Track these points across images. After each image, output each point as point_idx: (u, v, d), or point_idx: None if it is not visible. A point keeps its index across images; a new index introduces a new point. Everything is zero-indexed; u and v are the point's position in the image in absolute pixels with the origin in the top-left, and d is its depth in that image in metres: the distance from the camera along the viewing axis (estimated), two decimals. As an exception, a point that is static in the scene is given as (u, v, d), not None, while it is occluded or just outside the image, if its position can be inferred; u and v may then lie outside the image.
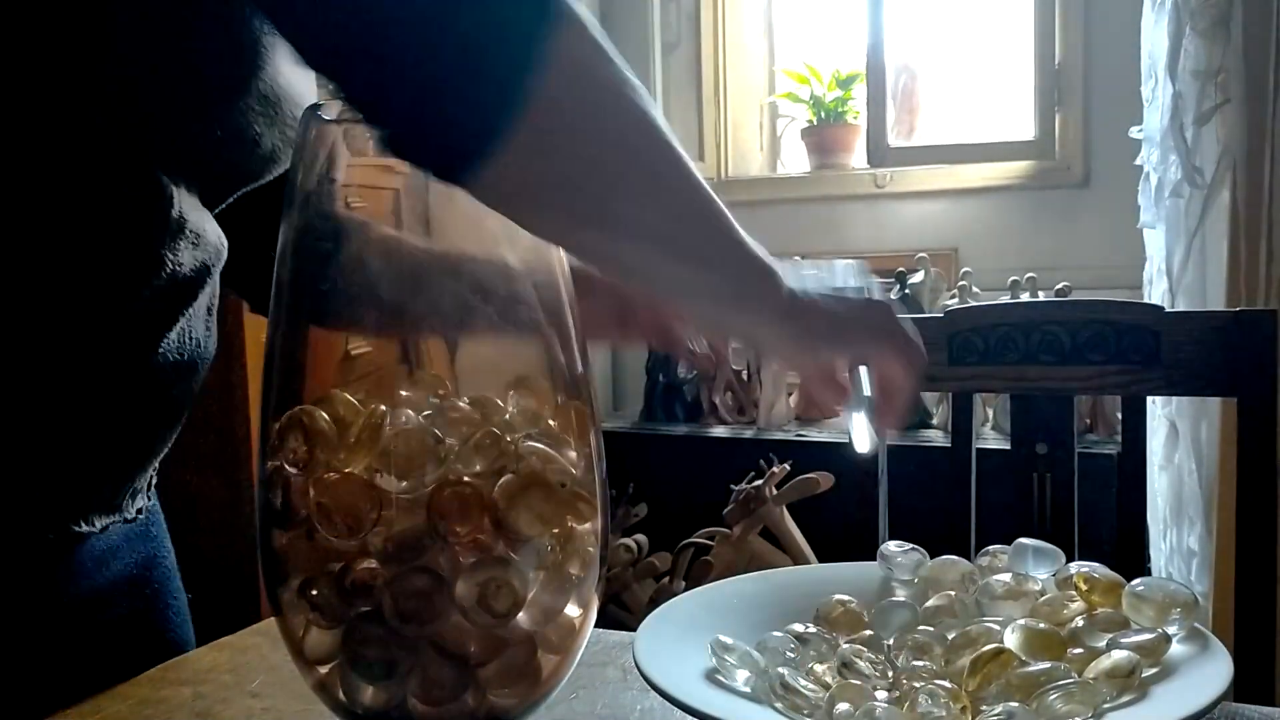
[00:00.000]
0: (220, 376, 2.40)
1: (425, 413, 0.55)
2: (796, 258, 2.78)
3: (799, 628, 0.64)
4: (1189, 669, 0.57)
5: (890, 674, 0.60)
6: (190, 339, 0.72)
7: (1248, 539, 1.03)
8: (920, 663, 0.60)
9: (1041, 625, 0.60)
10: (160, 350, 0.69)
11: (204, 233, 0.69)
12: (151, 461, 0.76)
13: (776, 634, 0.63)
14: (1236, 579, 1.04)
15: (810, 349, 0.64)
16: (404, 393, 0.57)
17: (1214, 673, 0.55)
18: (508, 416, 0.56)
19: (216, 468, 2.41)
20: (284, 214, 0.56)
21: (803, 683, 0.58)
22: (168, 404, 0.73)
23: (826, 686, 0.58)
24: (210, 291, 0.74)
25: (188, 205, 0.67)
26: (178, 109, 0.64)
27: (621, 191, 0.53)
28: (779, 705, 0.57)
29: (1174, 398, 2.00)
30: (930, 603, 0.66)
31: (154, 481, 0.80)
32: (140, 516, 0.78)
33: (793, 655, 0.62)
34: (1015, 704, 0.54)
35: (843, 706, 0.55)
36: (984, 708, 0.55)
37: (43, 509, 0.69)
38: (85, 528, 0.71)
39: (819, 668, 0.60)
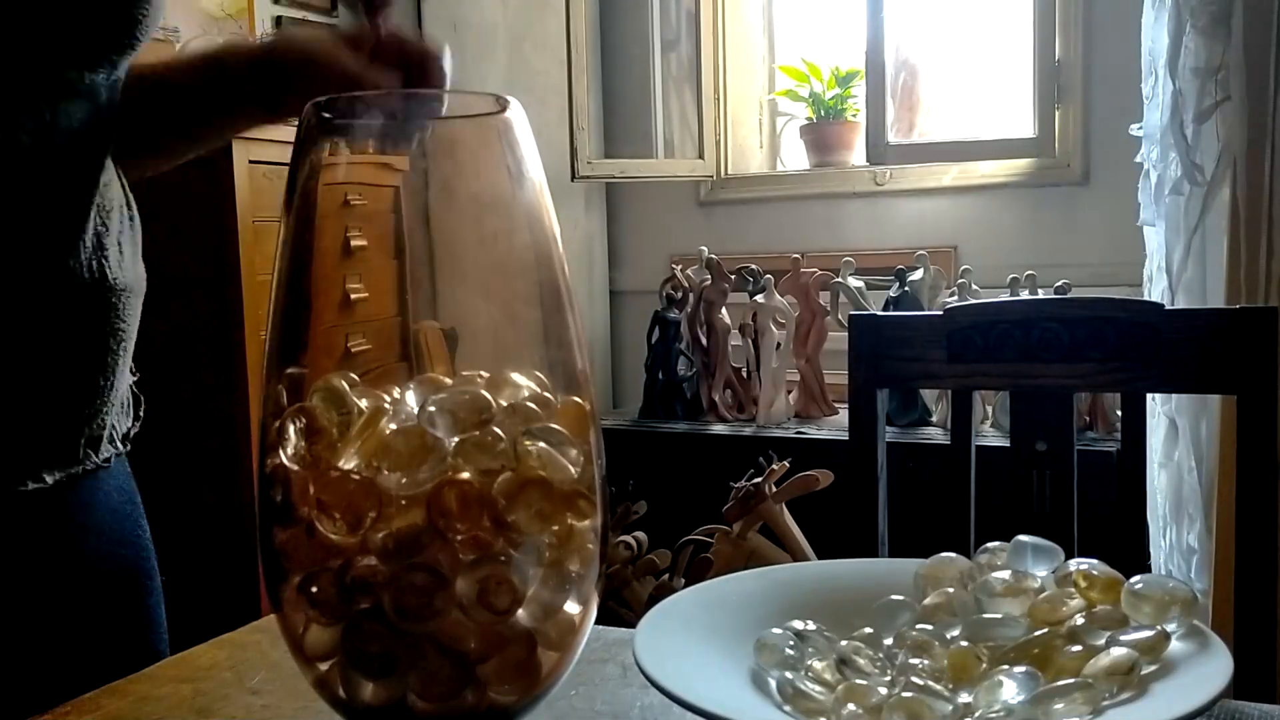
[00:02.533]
0: (221, 373, 2.40)
1: (426, 409, 0.55)
2: (795, 255, 2.79)
3: (798, 624, 0.64)
4: (1189, 666, 0.57)
5: (890, 671, 0.60)
6: (104, 259, 0.74)
7: (1247, 536, 1.03)
8: (918, 661, 0.60)
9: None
10: (74, 261, 0.71)
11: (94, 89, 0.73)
12: (98, 406, 0.77)
13: (775, 631, 0.63)
14: (1236, 576, 1.04)
15: None
16: (404, 389, 0.57)
17: (1214, 670, 0.55)
18: (507, 415, 0.56)
19: (217, 464, 2.41)
20: (283, 210, 0.56)
21: (810, 685, 0.58)
22: (95, 338, 0.74)
23: (825, 684, 0.58)
24: (118, 202, 0.76)
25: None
26: None
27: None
28: (787, 708, 0.57)
29: (1173, 395, 2.00)
30: (928, 600, 0.66)
31: (128, 433, 0.80)
32: (108, 465, 0.79)
33: (791, 652, 0.62)
34: (1015, 702, 0.54)
35: (850, 708, 0.55)
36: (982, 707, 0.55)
37: None
38: (34, 485, 0.73)
39: (818, 664, 0.60)
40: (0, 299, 0.69)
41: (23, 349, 0.70)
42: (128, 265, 0.77)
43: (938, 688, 0.57)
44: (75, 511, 0.77)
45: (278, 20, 3.04)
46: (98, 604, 0.79)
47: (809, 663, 0.61)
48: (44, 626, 0.75)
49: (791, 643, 0.63)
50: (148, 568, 0.85)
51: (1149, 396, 1.39)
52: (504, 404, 0.55)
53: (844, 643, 0.62)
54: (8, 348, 0.70)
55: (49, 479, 0.74)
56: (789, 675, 0.58)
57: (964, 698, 0.56)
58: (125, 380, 0.79)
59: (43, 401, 0.73)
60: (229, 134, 0.91)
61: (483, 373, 0.57)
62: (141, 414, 0.84)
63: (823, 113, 3.18)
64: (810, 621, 0.65)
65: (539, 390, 0.56)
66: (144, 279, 0.79)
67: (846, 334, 1.22)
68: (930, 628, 0.63)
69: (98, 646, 0.77)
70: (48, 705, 0.68)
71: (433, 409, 0.54)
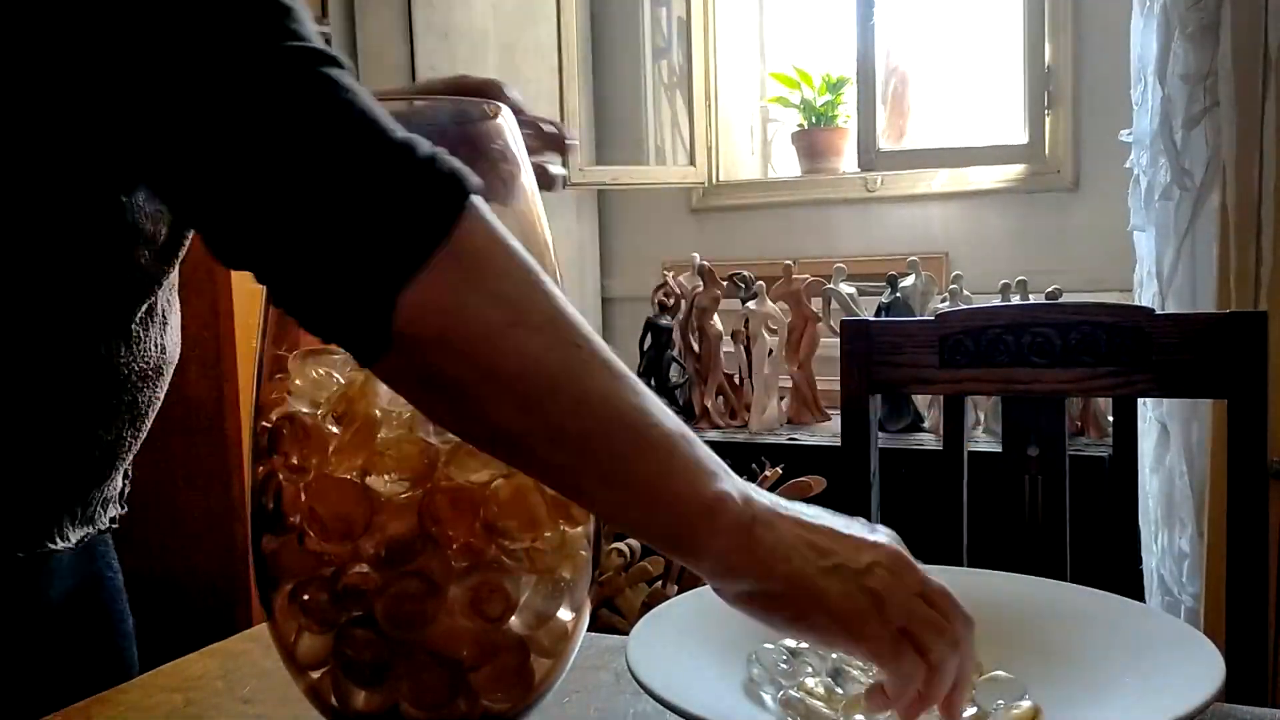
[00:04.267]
0: (211, 382, 2.39)
1: (419, 416, 0.54)
2: (787, 262, 2.79)
3: (790, 642, 0.64)
4: (1181, 670, 0.57)
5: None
6: (155, 346, 0.72)
7: (1239, 540, 1.04)
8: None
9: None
10: (122, 358, 0.69)
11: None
12: (120, 468, 0.76)
13: (768, 645, 0.63)
14: (1228, 580, 1.04)
15: (792, 619, 0.53)
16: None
17: (1206, 674, 0.55)
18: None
19: (209, 473, 2.40)
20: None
21: (812, 701, 0.58)
22: (133, 411, 0.72)
23: (820, 697, 0.58)
24: (166, 297, 0.74)
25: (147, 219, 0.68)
26: None
27: (520, 405, 0.49)
28: (789, 717, 0.57)
29: (1164, 400, 2.00)
30: None
31: (127, 491, 0.79)
32: (115, 526, 0.77)
33: (785, 668, 0.62)
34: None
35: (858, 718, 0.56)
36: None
37: (13, 527, 0.68)
38: (60, 544, 0.71)
39: (811, 681, 0.61)
40: (45, 397, 0.66)
41: (65, 434, 0.68)
42: (174, 337, 0.76)
43: None
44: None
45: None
46: (63, 645, 0.77)
47: (801, 679, 0.61)
48: (9, 670, 0.73)
49: (785, 657, 0.63)
50: (118, 609, 0.83)
51: (1140, 401, 1.39)
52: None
53: (835, 655, 0.62)
54: (50, 432, 0.68)
55: (73, 538, 0.72)
56: (793, 692, 0.58)
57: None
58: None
59: (77, 461, 0.71)
60: None
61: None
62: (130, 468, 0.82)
63: (814, 119, 3.18)
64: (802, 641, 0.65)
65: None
66: (179, 341, 0.78)
67: (838, 340, 1.22)
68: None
69: (64, 687, 0.75)
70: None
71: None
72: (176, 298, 0.76)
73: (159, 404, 0.75)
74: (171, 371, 0.76)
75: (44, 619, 0.74)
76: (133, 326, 0.70)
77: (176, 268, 0.73)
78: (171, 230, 0.69)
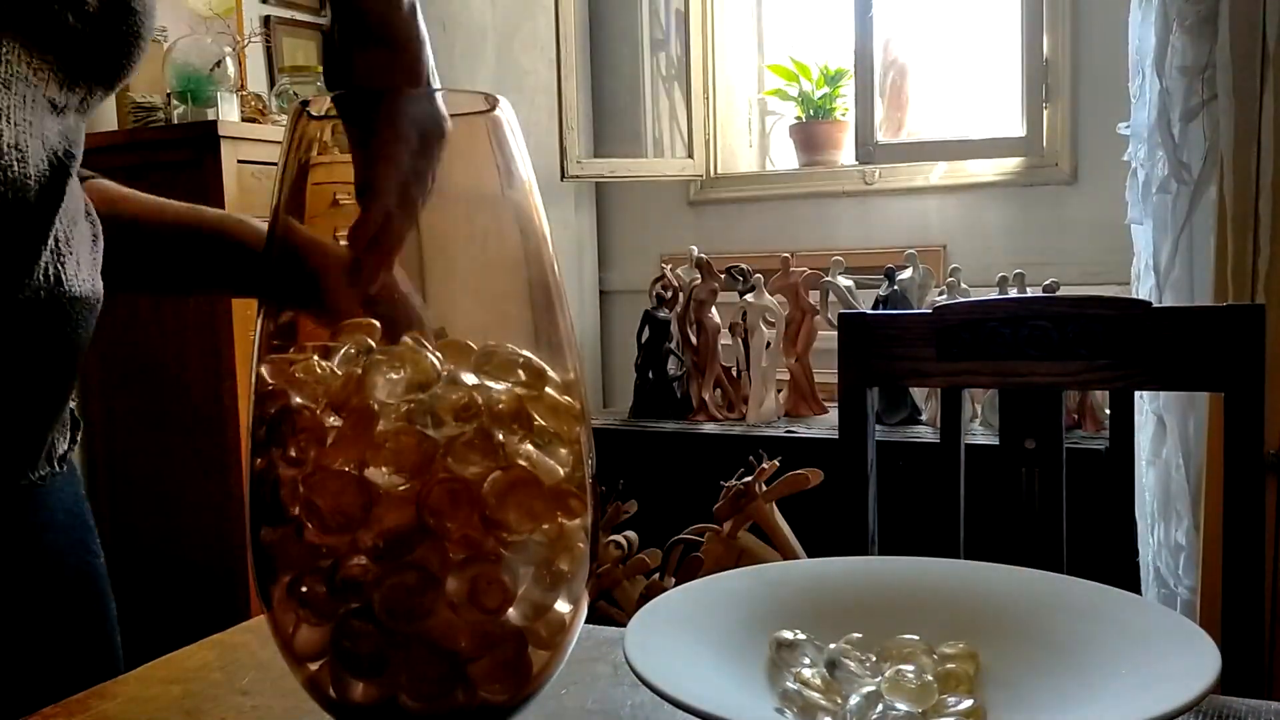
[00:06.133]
0: (210, 373, 2.40)
1: (418, 402, 0.55)
2: (785, 254, 2.79)
3: (787, 635, 0.65)
4: (1176, 662, 0.57)
5: (880, 674, 0.61)
6: (61, 267, 0.71)
7: (1235, 533, 1.04)
8: (908, 667, 0.60)
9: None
10: (34, 269, 0.69)
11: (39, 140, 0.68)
12: (45, 421, 0.76)
13: (774, 635, 0.63)
14: (1224, 573, 1.04)
15: None
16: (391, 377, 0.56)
17: (1201, 666, 0.55)
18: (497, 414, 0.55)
19: (207, 465, 2.41)
20: (272, 207, 0.56)
21: (810, 693, 0.58)
22: (48, 349, 0.72)
23: (817, 689, 0.59)
24: (80, 224, 0.74)
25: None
26: None
27: None
28: (788, 710, 0.57)
29: (1161, 392, 2.00)
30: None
31: (64, 455, 0.80)
32: (43, 484, 0.78)
33: (786, 656, 0.62)
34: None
35: (854, 699, 0.56)
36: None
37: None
38: (33, 476, 0.73)
39: (808, 672, 0.61)
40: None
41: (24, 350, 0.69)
42: (85, 276, 0.74)
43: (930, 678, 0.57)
44: (23, 531, 0.76)
45: (266, 20, 3.04)
46: (56, 613, 0.78)
47: (798, 669, 0.61)
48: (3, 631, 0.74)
49: (782, 646, 0.63)
50: (102, 588, 0.83)
51: (1137, 394, 1.40)
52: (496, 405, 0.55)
53: (832, 645, 0.62)
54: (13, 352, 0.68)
55: (43, 472, 0.74)
56: (790, 684, 0.59)
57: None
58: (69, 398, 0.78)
59: (22, 410, 0.71)
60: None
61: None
62: (78, 437, 0.82)
63: (811, 112, 3.18)
64: (799, 631, 0.65)
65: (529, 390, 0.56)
66: (101, 294, 0.76)
67: (836, 333, 1.22)
68: (917, 638, 0.63)
69: (58, 654, 0.76)
70: (10, 711, 0.68)
71: (422, 406, 0.54)
72: (87, 232, 0.75)
73: (78, 358, 0.76)
74: (90, 317, 0.76)
75: (37, 607, 0.75)
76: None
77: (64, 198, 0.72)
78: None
